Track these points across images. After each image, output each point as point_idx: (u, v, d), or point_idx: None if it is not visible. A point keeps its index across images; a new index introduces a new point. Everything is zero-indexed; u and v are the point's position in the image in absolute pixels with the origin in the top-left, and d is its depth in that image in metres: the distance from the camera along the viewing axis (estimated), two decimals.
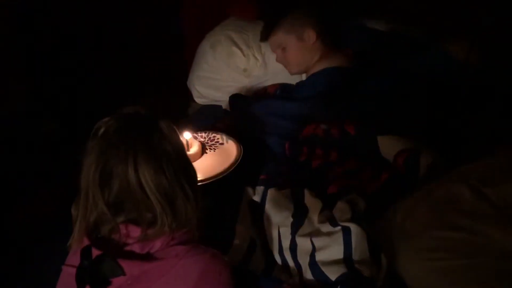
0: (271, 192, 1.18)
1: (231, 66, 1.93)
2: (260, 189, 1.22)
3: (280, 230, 1.10)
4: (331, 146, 1.34)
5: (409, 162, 1.20)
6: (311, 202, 1.12)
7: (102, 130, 0.81)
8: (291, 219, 1.09)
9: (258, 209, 1.18)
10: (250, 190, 1.24)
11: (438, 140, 1.30)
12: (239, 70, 1.93)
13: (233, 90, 1.94)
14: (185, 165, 0.88)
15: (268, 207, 1.15)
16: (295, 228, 1.08)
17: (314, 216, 1.08)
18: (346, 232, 0.98)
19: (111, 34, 2.15)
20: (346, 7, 2.06)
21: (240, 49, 1.92)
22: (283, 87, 1.78)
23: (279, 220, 1.12)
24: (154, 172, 0.79)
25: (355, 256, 0.95)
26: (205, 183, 1.26)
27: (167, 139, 0.84)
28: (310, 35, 1.62)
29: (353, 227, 0.98)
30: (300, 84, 1.72)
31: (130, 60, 2.28)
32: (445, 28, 1.87)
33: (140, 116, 0.86)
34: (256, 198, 1.20)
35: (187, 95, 2.13)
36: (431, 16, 1.93)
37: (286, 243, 1.08)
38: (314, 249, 1.02)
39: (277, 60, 1.73)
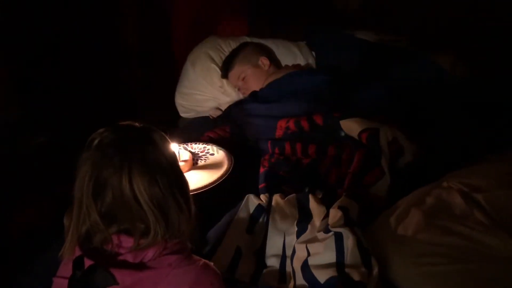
0: (275, 198, 1.21)
1: (209, 82, 2.04)
2: (264, 196, 1.25)
3: (286, 238, 1.13)
4: (307, 140, 1.44)
5: (371, 138, 1.31)
6: (316, 208, 1.14)
7: (96, 141, 0.81)
8: (296, 228, 1.12)
9: (262, 216, 1.20)
10: (253, 197, 1.25)
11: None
12: (216, 86, 2.04)
13: (215, 104, 2.06)
14: (178, 176, 0.88)
15: (274, 213, 1.17)
16: (299, 236, 1.10)
17: (317, 222, 1.10)
18: (338, 237, 1.00)
19: (103, 50, 2.17)
20: (336, 21, 2.13)
21: (217, 65, 2.04)
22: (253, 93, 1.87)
23: (285, 228, 1.14)
24: (148, 183, 0.80)
25: (347, 260, 0.97)
26: (198, 193, 1.27)
27: (160, 150, 0.84)
28: (264, 62, 1.92)
29: (344, 232, 1.00)
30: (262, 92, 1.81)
31: (121, 75, 2.31)
32: (431, 40, 1.94)
33: (134, 128, 0.86)
34: (263, 204, 1.22)
35: (176, 110, 2.20)
36: (417, 30, 1.99)
37: (289, 252, 1.10)
38: (308, 255, 1.03)
39: (240, 91, 1.96)
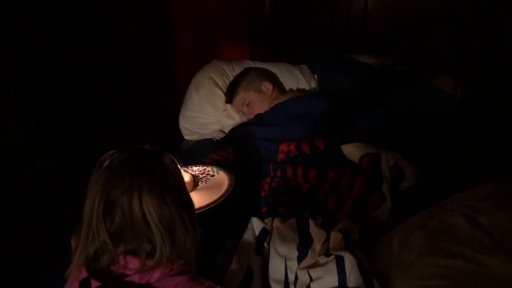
0: (276, 223, 1.21)
1: (214, 105, 2.08)
2: (268, 220, 1.25)
3: (287, 263, 1.12)
4: (308, 164, 1.45)
5: (372, 163, 1.32)
6: (316, 232, 1.14)
7: (107, 162, 0.83)
8: (297, 253, 1.11)
9: (267, 239, 1.20)
10: (257, 220, 1.25)
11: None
12: (220, 109, 2.07)
13: (218, 127, 2.08)
14: (185, 197, 0.90)
15: (274, 238, 1.17)
16: (300, 260, 1.09)
17: (318, 246, 1.10)
18: (340, 260, 1.00)
19: (108, 75, 2.20)
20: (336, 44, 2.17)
21: (221, 89, 2.07)
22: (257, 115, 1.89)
23: (285, 253, 1.14)
24: (157, 203, 0.81)
25: (349, 283, 0.97)
26: (202, 212, 1.27)
27: (169, 172, 0.86)
28: (267, 87, 1.94)
29: (345, 255, 1.00)
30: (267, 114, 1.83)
31: (125, 100, 2.33)
32: (430, 64, 1.97)
33: (143, 149, 0.88)
34: (268, 228, 1.22)
35: (180, 133, 2.23)
36: (416, 53, 2.03)
37: (292, 277, 1.09)
38: (310, 280, 1.03)
39: (247, 117, 1.98)
